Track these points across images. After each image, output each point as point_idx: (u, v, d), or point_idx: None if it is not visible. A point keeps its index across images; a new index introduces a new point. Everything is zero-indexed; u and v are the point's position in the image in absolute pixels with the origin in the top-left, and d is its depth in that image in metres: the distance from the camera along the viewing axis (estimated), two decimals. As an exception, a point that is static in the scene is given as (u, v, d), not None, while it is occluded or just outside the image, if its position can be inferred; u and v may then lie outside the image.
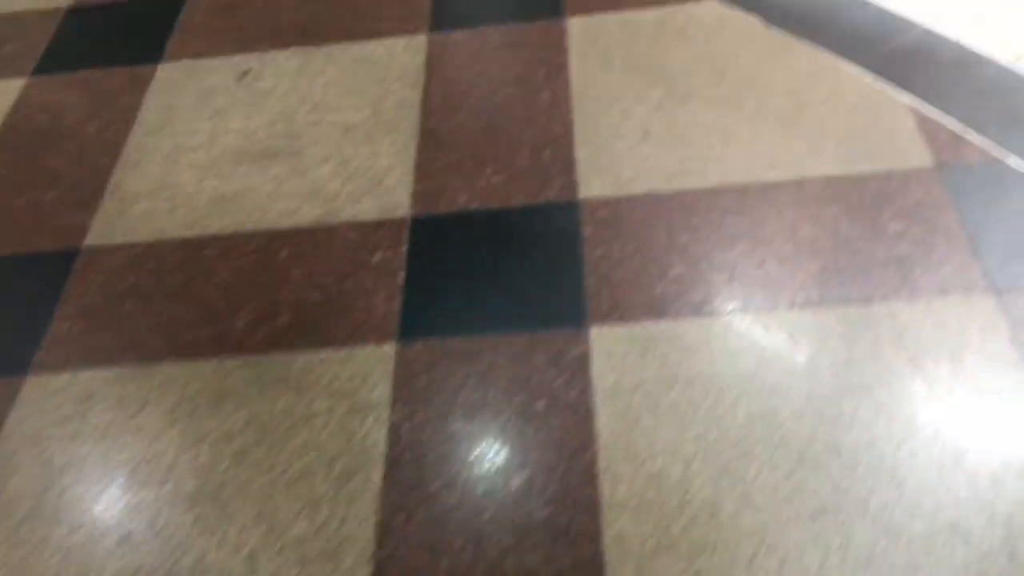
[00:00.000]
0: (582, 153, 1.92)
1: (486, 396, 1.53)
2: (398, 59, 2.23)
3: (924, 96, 1.89)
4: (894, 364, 1.47)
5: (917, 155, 1.79)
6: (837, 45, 2.05)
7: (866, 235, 1.66)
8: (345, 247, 1.82)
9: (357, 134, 2.06)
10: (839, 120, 1.88)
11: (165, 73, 2.33)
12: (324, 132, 2.07)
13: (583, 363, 1.56)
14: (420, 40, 2.28)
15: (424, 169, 1.95)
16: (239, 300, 1.75)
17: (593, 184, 1.85)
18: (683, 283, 1.65)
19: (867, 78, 1.96)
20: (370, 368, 1.60)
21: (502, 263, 1.74)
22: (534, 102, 2.06)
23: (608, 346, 1.57)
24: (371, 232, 1.84)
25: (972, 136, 1.79)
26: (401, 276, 1.75)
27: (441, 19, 2.34)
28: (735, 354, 1.52)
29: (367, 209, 1.89)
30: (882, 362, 1.47)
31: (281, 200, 1.94)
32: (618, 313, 1.62)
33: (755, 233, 1.70)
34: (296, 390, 1.59)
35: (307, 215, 1.90)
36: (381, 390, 1.56)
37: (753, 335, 1.54)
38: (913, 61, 1.98)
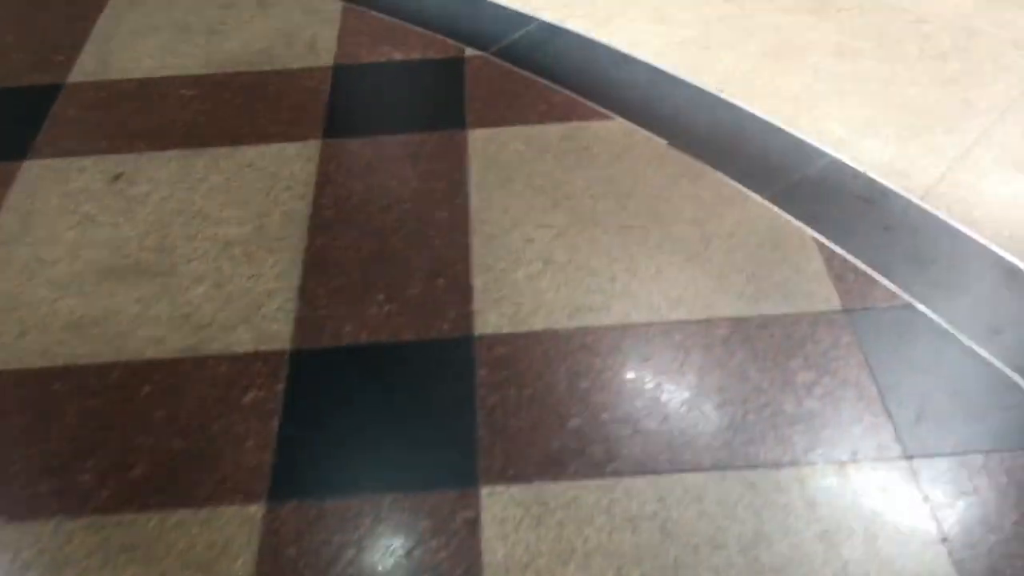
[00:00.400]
0: (479, 281, 1.80)
1: (362, 571, 1.37)
2: (287, 167, 2.09)
3: (831, 232, 1.84)
4: (806, 539, 1.36)
5: (825, 297, 1.72)
6: (743, 172, 1.99)
7: (775, 386, 1.57)
8: (215, 384, 1.65)
9: (237, 251, 1.89)
10: (746, 255, 1.80)
11: (30, 171, 2.13)
12: (201, 247, 1.91)
13: (472, 530, 1.41)
14: (312, 147, 2.15)
15: (309, 294, 1.80)
16: (89, 447, 1.56)
17: (490, 318, 1.73)
18: (583, 437, 1.52)
19: (774, 209, 1.90)
20: (232, 534, 1.42)
21: (388, 408, 1.59)
22: (430, 221, 1.94)
23: (500, 511, 1.43)
24: (246, 366, 1.67)
25: (880, 278, 1.74)
26: (275, 421, 1.58)
27: (336, 125, 2.21)
28: (637, 524, 1.39)
29: (243, 339, 1.72)
30: (793, 537, 1.36)
31: (147, 325, 1.75)
32: (512, 471, 1.48)
33: (661, 380, 1.60)
34: (145, 560, 1.40)
35: (175, 344, 1.72)
36: (244, 562, 1.38)
37: (656, 501, 1.42)
38: (820, 193, 1.93)
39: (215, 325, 1.75)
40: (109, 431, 1.58)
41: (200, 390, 1.64)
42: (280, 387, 1.63)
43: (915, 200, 1.90)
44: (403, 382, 1.63)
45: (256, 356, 1.69)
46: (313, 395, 1.62)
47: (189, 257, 1.89)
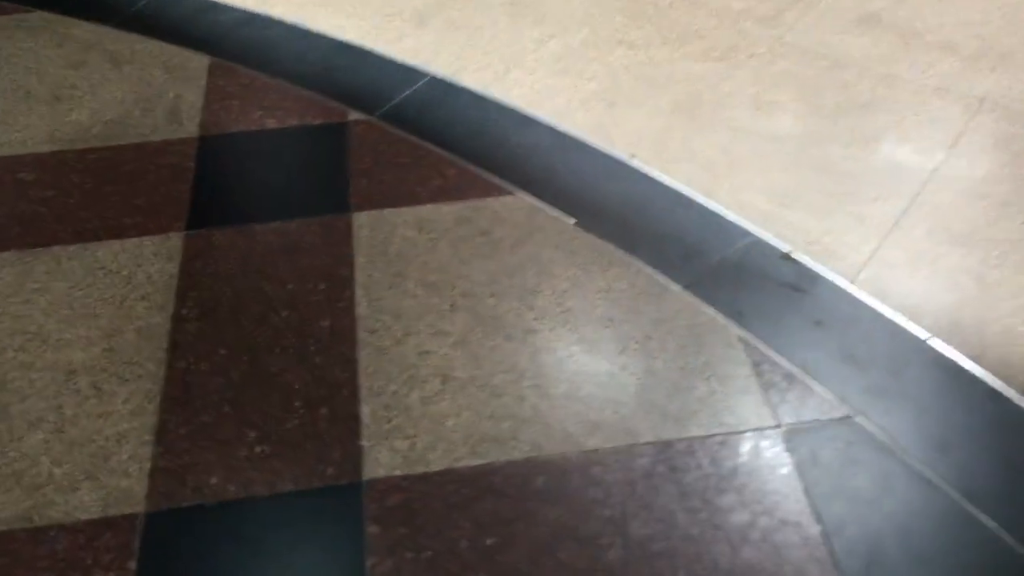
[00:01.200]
0: (368, 408, 1.57)
1: None
2: (144, 269, 1.82)
3: (758, 328, 1.66)
4: None
5: (756, 411, 1.54)
6: (659, 257, 1.80)
7: (706, 533, 1.38)
8: (53, 564, 1.38)
9: (83, 382, 1.62)
10: (666, 362, 1.61)
11: None
12: (39, 379, 1.63)
13: None
14: (175, 241, 1.87)
15: (168, 435, 1.54)
16: None
17: (381, 457, 1.49)
18: (491, 613, 1.31)
19: (694, 302, 1.71)
20: None
21: (262, 586, 1.35)
22: (311, 332, 1.69)
23: None
24: (90, 538, 1.41)
25: (814, 385, 1.56)
26: (125, 615, 1.32)
27: (201, 212, 1.94)
28: None
29: (87, 501, 1.46)
30: None
31: (-29, 489, 1.47)
32: (410, 666, 1.25)
33: (577, 530, 1.39)
34: None
35: (3, 513, 1.45)
36: None
37: None
38: (744, 279, 1.75)
39: (54, 484, 1.48)
40: (-82, 642, 1.30)
41: (34, 574, 1.37)
42: (131, 565, 1.37)
43: (846, 287, 1.73)
44: (280, 548, 1.39)
45: (103, 523, 1.43)
46: (171, 572, 1.36)
47: (24, 393, 1.60)
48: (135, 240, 1.88)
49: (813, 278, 1.75)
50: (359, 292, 1.76)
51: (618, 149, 2.05)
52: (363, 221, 1.90)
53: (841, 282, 1.74)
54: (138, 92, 2.25)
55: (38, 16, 2.50)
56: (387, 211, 1.92)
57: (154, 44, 2.39)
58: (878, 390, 1.56)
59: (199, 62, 2.34)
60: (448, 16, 2.44)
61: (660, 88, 2.21)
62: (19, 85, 2.28)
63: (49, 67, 2.33)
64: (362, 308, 1.73)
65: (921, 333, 1.64)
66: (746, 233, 1.84)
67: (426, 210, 1.92)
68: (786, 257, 1.78)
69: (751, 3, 2.43)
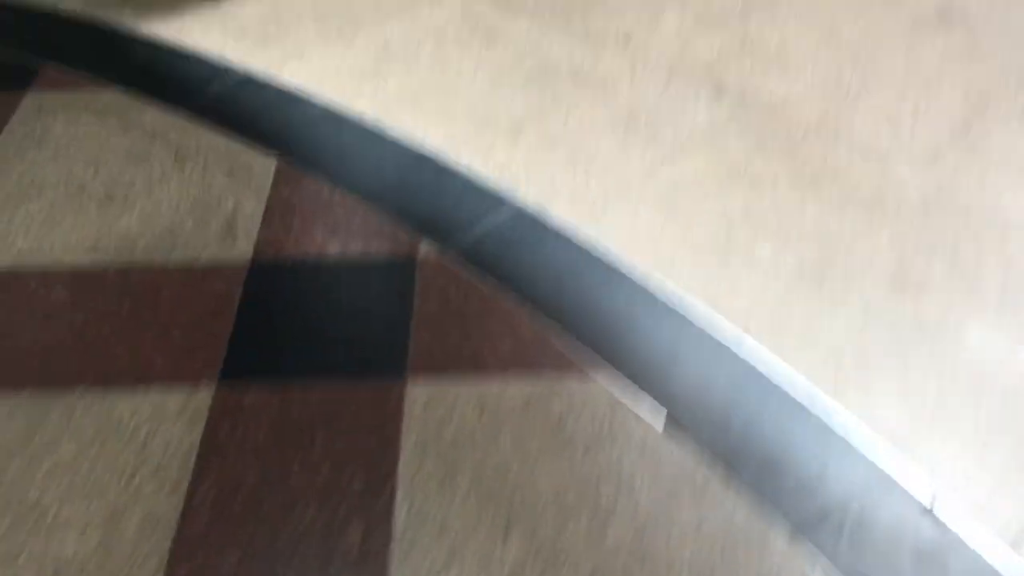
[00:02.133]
0: (390, 664, 1.28)
1: None
2: (164, 431, 1.59)
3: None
4: None
5: None
6: (764, 485, 1.47)
7: None
8: None
9: (71, 584, 1.39)
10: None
11: None
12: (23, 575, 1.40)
13: None
14: (204, 396, 1.64)
15: (152, 673, 1.29)
16: None
17: None
18: None
19: (803, 562, 1.37)
20: None
21: None
22: (338, 543, 1.44)
23: None
24: None
25: None
26: None
27: (239, 359, 1.71)
28: None
29: None
30: None
31: None
32: None
33: None
34: None
35: None
36: None
37: None
38: (866, 537, 1.40)
39: None
40: None
41: None
42: None
43: (1007, 558, 1.36)
44: None
45: None
46: None
47: (5, 591, 1.38)
48: (161, 391, 1.66)
49: (960, 545, 1.38)
50: (401, 492, 1.49)
51: (726, 321, 1.72)
52: (418, 395, 1.63)
53: (1000, 550, 1.37)
54: (195, 197, 2.04)
55: (110, 96, 2.32)
56: (447, 385, 1.65)
57: (221, 139, 2.18)
58: None
59: (265, 165, 2.11)
60: (548, 128, 2.15)
61: (783, 242, 1.87)
62: (75, 178, 2.10)
63: (109, 158, 2.15)
64: (401, 515, 1.46)
65: (1102, 648, 1.26)
66: (873, 469, 1.49)
67: (491, 389, 1.64)
68: (927, 513, 1.42)
69: (904, 139, 2.06)
